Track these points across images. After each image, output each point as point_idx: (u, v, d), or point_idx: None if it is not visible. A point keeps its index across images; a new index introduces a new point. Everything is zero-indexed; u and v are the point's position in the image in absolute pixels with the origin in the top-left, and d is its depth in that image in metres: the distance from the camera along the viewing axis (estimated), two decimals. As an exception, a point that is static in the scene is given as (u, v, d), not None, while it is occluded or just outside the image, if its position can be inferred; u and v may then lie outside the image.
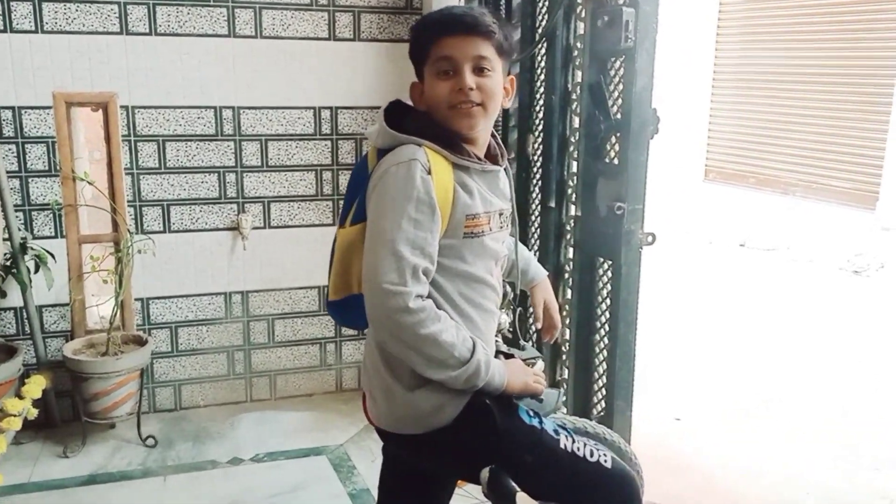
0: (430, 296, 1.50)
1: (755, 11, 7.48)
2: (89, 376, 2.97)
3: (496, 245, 1.62)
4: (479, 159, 1.59)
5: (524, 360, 1.70)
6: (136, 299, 3.29)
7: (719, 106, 7.98)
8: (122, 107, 3.14)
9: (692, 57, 7.84)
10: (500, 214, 1.62)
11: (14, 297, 3.12)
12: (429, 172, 1.48)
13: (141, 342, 3.18)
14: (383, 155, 1.55)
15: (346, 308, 1.67)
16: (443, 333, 1.45)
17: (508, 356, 1.70)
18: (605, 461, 1.60)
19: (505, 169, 1.67)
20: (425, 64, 1.57)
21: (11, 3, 2.96)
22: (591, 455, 1.59)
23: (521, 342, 1.90)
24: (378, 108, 3.41)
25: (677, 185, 7.70)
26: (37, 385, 2.65)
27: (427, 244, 1.47)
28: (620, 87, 2.31)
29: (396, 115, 1.60)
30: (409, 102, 1.65)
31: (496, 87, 1.57)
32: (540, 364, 1.77)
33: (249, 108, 3.29)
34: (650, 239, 2.31)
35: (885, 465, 3.16)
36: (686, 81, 7.72)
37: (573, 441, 1.59)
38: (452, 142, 1.55)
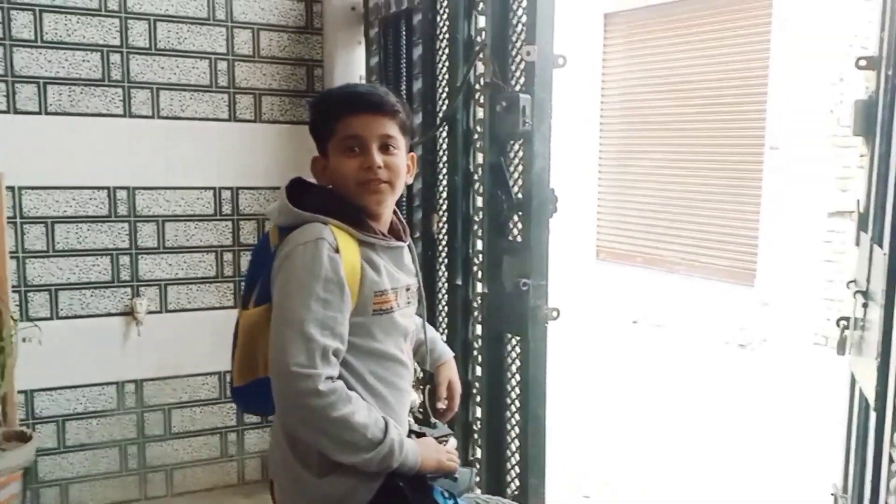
0: (340, 376, 1.47)
1: (631, 101, 7.98)
2: (-38, 478, 2.72)
3: (405, 321, 1.62)
4: (384, 235, 1.60)
5: (437, 438, 1.69)
6: (19, 391, 3.06)
7: (606, 189, 8.38)
8: (7, 187, 3.00)
9: (579, 142, 8.24)
10: (407, 290, 1.63)
11: None
12: (336, 251, 1.47)
13: (24, 438, 2.94)
14: (285, 233, 1.54)
15: (252, 394, 1.61)
16: (355, 415, 1.42)
17: (420, 434, 1.68)
18: None
19: (409, 245, 1.68)
20: (329, 140, 1.58)
21: None
22: None
23: (432, 420, 1.88)
24: (280, 188, 3.39)
25: (571, 265, 7.96)
26: None
27: (337, 324, 1.45)
28: (520, 168, 2.39)
29: (297, 193, 1.59)
30: (310, 179, 1.65)
31: (401, 164, 1.60)
32: (453, 441, 1.75)
33: (145, 188, 3.21)
34: (555, 314, 2.36)
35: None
36: (574, 166, 8.09)
37: None
38: (358, 218, 1.56)
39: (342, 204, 1.56)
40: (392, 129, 1.58)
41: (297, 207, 1.54)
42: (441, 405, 1.88)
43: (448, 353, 1.92)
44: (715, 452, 4.18)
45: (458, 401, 1.90)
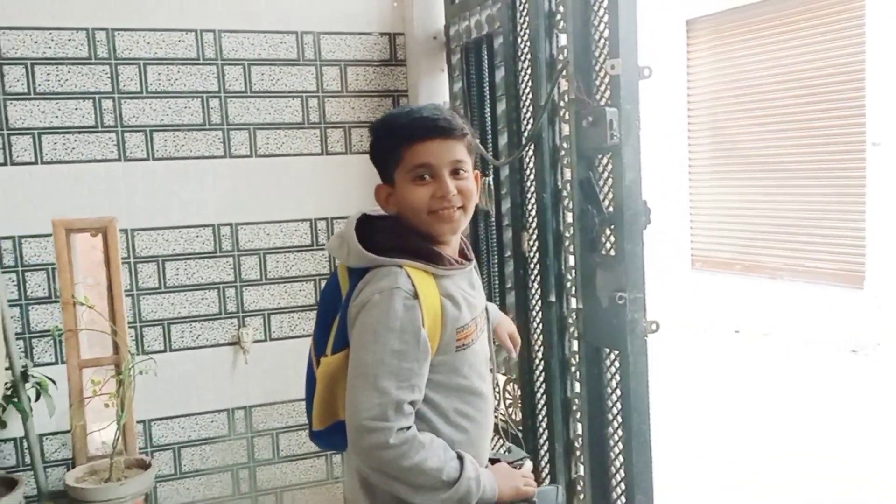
0: (422, 414, 1.47)
1: (720, 105, 7.78)
2: (92, 505, 2.88)
3: (484, 347, 1.60)
4: (458, 262, 1.56)
5: (511, 463, 1.67)
6: (137, 421, 3.23)
7: (698, 196, 8.17)
8: (121, 230, 3.20)
9: (668, 151, 8.09)
10: (483, 312, 1.61)
11: (14, 427, 3.06)
12: (415, 296, 1.44)
13: (144, 466, 3.10)
14: (356, 275, 1.51)
15: (331, 434, 1.61)
16: (428, 461, 1.41)
17: (494, 461, 1.66)
18: None
19: (474, 264, 1.66)
20: (396, 168, 1.54)
21: (11, 137, 3.05)
22: None
23: (507, 444, 1.86)
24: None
25: (666, 275, 7.79)
26: (39, 517, 2.57)
27: (413, 375, 1.43)
28: (610, 181, 2.38)
29: (365, 230, 1.55)
30: (374, 210, 1.62)
31: (473, 186, 1.56)
32: (528, 465, 1.72)
33: (247, 223, 3.36)
34: (654, 327, 2.33)
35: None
36: (664, 175, 7.94)
37: None
38: (432, 252, 1.51)
39: (414, 238, 1.52)
40: (461, 152, 1.54)
41: (367, 246, 1.49)
42: (513, 354, 1.94)
43: (497, 313, 1.95)
44: (831, 467, 3.99)
45: (517, 336, 1.99)
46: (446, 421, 1.51)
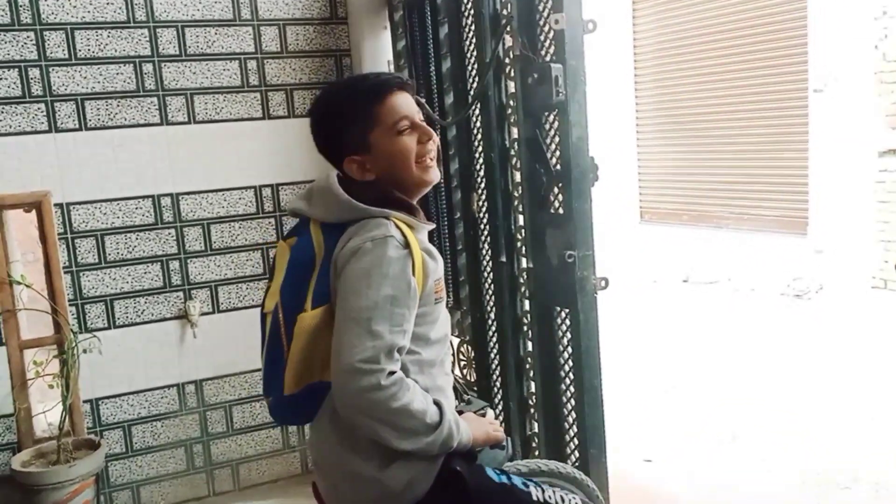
0: (405, 366, 1.48)
1: (665, 56, 7.80)
2: (42, 488, 2.81)
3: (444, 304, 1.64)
4: (426, 219, 1.61)
5: (475, 413, 1.73)
6: (84, 401, 3.15)
7: (645, 149, 8.24)
8: (56, 205, 3.07)
9: (615, 105, 8.11)
10: None
11: (-47, 414, 2.97)
12: (406, 246, 1.46)
13: (93, 446, 3.04)
14: (333, 230, 1.51)
15: (303, 399, 1.57)
16: (413, 402, 1.42)
17: (459, 413, 1.68)
18: None
19: None
20: (372, 129, 1.55)
21: (-67, 111, 2.90)
22: (563, 501, 1.61)
23: (466, 396, 1.90)
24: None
25: (615, 228, 7.86)
26: (-15, 504, 2.50)
27: (405, 321, 1.44)
28: (557, 139, 2.36)
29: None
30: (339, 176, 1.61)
31: None
32: (490, 413, 1.80)
33: (189, 193, 3.26)
34: (603, 284, 2.34)
35: (855, 483, 3.21)
36: (612, 128, 7.96)
37: (543, 491, 1.61)
38: (412, 207, 1.57)
39: (395, 193, 1.56)
40: None
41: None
42: None
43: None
44: (781, 408, 4.11)
45: None
46: (423, 373, 1.54)
